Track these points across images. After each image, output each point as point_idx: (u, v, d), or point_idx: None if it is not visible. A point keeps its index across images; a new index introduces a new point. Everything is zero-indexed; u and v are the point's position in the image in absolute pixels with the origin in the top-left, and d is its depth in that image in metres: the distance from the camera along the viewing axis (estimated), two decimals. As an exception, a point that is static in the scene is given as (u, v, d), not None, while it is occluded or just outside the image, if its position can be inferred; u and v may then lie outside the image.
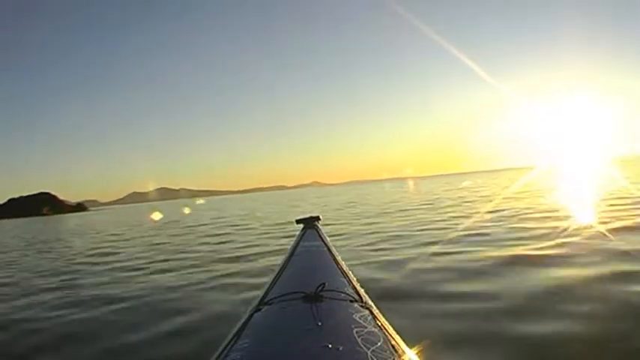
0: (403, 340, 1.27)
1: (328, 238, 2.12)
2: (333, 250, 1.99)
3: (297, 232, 2.34)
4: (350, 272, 1.77)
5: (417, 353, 1.23)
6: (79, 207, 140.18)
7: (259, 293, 1.61)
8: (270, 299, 1.51)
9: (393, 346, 1.20)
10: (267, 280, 1.76)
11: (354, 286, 1.61)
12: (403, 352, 1.20)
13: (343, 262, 1.86)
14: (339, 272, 1.74)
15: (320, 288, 1.42)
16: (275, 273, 1.79)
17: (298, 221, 2.38)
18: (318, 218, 2.37)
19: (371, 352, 1.12)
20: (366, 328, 1.25)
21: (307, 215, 2.50)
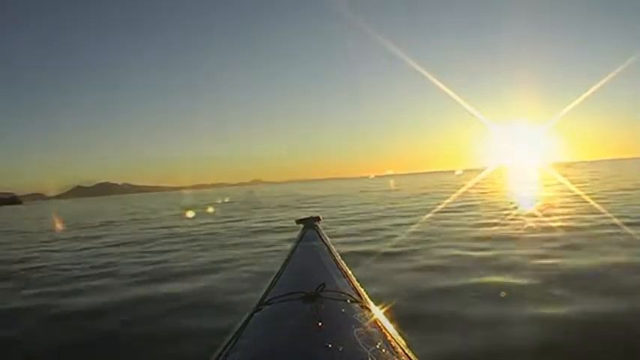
0: (404, 340, 1.30)
1: (328, 238, 2.12)
2: (333, 250, 1.99)
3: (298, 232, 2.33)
4: (350, 272, 1.77)
5: (416, 353, 1.25)
6: (13, 200, 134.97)
7: (259, 293, 1.61)
8: (270, 299, 1.51)
9: (393, 347, 1.22)
10: (267, 280, 1.76)
11: (354, 286, 1.62)
12: (403, 352, 1.22)
13: (343, 262, 1.86)
14: (339, 272, 1.73)
15: (320, 288, 1.42)
16: (275, 273, 1.78)
17: (298, 221, 2.37)
18: (318, 218, 2.37)
19: (371, 352, 1.13)
20: (366, 328, 1.26)
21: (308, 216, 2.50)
